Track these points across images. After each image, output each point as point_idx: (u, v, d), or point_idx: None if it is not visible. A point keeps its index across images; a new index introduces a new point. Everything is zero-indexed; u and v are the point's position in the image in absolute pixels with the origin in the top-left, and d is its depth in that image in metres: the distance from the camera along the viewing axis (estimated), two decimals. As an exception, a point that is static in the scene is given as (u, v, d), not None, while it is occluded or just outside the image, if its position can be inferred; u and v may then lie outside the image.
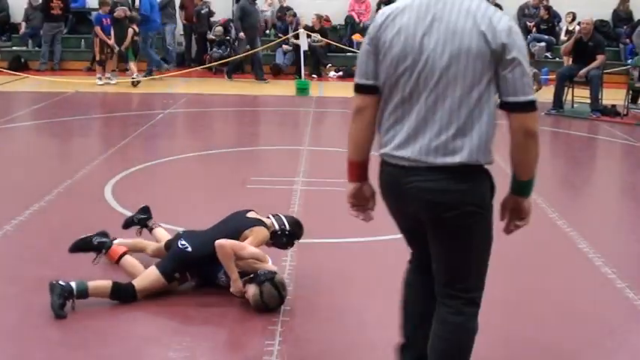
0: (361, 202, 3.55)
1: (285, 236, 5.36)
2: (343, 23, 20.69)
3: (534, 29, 19.57)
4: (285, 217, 5.47)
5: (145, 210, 5.95)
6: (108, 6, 16.93)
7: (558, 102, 13.80)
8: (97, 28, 16.61)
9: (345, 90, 16.80)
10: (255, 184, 7.96)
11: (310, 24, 18.99)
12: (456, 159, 3.19)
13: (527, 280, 5.66)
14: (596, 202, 8.26)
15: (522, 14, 20.18)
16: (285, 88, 16.74)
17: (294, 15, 19.78)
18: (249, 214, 5.39)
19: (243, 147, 10.58)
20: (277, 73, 19.03)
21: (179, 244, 5.15)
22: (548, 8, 19.69)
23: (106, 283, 4.93)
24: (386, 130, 3.35)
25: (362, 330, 4.75)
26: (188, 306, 4.95)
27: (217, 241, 4.95)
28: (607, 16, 20.00)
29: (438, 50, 3.14)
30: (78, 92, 15.54)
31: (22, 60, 19.41)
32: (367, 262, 5.93)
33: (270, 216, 5.42)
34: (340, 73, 19.07)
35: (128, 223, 5.96)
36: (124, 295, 4.95)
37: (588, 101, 13.66)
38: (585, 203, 8.19)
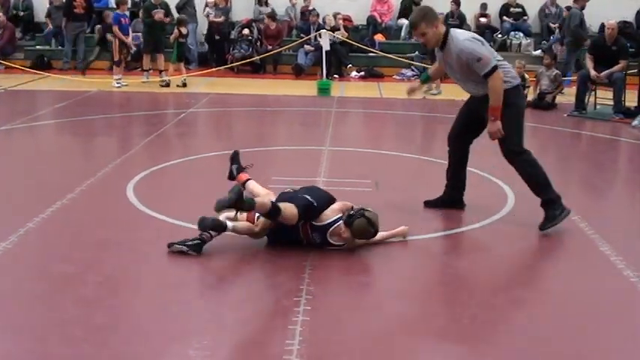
0: None
1: None
2: (365, 23, 20.69)
3: (557, 30, 19.46)
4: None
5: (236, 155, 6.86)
6: (126, 5, 16.99)
7: (580, 104, 13.71)
8: (115, 28, 16.43)
9: (366, 90, 16.83)
10: (276, 183, 7.95)
11: (335, 24, 19.00)
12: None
13: (549, 281, 5.64)
14: (618, 204, 8.20)
15: (544, 15, 20.08)
16: (306, 88, 16.76)
17: (318, 15, 19.80)
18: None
19: (264, 147, 10.59)
20: (299, 73, 19.06)
21: (308, 198, 5.89)
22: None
23: (266, 201, 5.70)
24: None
25: (383, 331, 4.75)
26: (208, 304, 4.97)
27: None
28: (630, 17, 19.90)
29: None
30: (101, 91, 15.64)
31: (45, 59, 19.54)
32: (388, 261, 5.93)
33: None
34: (362, 73, 19.07)
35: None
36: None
37: (611, 103, 13.57)
38: (608, 206, 8.13)
